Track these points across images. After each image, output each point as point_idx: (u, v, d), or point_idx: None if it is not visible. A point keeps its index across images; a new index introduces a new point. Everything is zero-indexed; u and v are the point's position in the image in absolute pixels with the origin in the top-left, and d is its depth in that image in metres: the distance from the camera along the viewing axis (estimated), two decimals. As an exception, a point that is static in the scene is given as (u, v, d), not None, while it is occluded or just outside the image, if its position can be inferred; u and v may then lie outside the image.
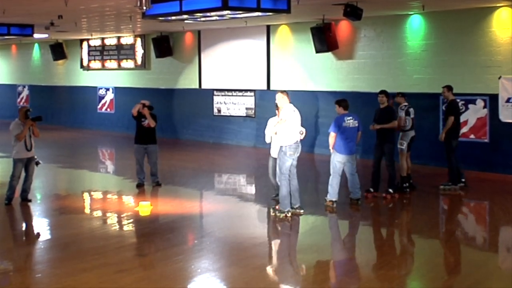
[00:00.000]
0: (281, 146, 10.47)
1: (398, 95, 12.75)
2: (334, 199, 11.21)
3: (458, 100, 13.91)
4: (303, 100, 17.51)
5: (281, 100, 10.62)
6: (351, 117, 11.27)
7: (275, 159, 10.98)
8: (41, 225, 10.78)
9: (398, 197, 12.01)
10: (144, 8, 10.77)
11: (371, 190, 12.10)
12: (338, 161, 11.21)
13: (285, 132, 10.41)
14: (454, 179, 12.70)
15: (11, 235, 10.41)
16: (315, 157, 16.65)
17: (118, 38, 23.40)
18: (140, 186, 13.06)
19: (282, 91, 10.81)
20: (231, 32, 19.48)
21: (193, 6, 11.68)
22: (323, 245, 9.70)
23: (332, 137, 11.16)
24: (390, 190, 12.02)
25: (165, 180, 13.52)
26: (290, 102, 10.67)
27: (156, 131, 13.20)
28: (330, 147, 11.29)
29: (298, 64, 18.11)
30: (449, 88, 12.89)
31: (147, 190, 12.96)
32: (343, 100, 11.49)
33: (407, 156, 12.49)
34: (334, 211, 11.06)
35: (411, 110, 12.42)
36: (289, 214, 10.47)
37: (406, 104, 12.47)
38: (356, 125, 11.26)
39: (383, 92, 12.39)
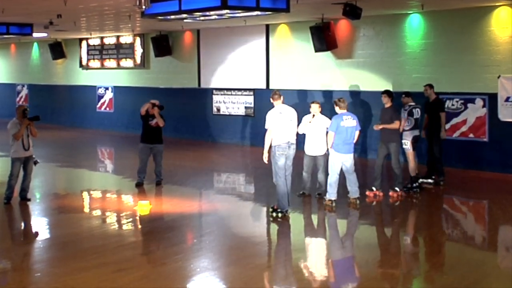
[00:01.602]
0: (271, 146, 10.50)
1: (403, 95, 12.71)
2: (333, 198, 11.20)
3: (457, 99, 13.98)
4: (302, 99, 17.52)
5: (273, 102, 10.65)
6: (349, 116, 11.26)
7: (310, 156, 11.76)
8: (40, 224, 10.78)
9: (404, 196, 11.99)
10: (143, 7, 10.78)
11: (373, 188, 12.09)
12: (336, 160, 11.20)
13: (274, 133, 10.42)
14: (443, 173, 13.11)
15: (10, 234, 10.41)
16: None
17: (117, 37, 23.39)
18: (139, 185, 13.04)
19: (272, 93, 10.85)
20: (230, 31, 19.48)
21: (192, 5, 11.68)
22: (322, 244, 9.72)
23: (330, 136, 11.16)
24: (396, 189, 12.03)
25: (164, 179, 13.50)
26: (283, 102, 10.66)
27: (162, 131, 13.17)
28: (328, 146, 11.29)
29: (297, 63, 18.11)
30: (431, 86, 13.25)
31: (146, 189, 12.96)
32: (341, 99, 11.50)
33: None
34: (333, 210, 11.06)
35: (416, 110, 12.39)
36: (287, 214, 10.47)
37: (411, 104, 12.44)
38: (355, 124, 11.25)
39: (385, 92, 12.39)
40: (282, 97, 10.70)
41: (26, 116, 11.36)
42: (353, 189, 11.39)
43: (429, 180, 13.06)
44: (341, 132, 11.09)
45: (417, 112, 12.40)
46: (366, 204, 11.65)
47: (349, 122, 11.18)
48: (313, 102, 11.96)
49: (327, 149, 11.53)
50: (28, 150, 11.42)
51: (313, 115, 11.69)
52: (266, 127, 10.49)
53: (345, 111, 11.30)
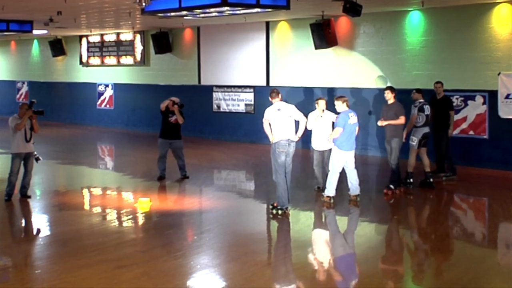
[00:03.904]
0: (271, 144, 10.50)
1: (414, 91, 12.74)
2: (331, 195, 11.21)
3: (457, 97, 14.00)
4: (302, 96, 17.53)
5: (271, 100, 10.66)
6: (352, 113, 11.30)
7: (318, 151, 11.97)
8: (41, 221, 10.78)
9: (399, 193, 11.99)
10: (144, 4, 10.80)
11: (391, 187, 12.05)
12: (340, 158, 11.17)
13: (273, 130, 10.43)
14: (454, 169, 13.33)
15: (11, 231, 10.42)
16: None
17: (117, 34, 23.39)
18: (161, 179, 13.27)
19: (270, 90, 10.85)
20: (231, 28, 19.47)
21: (192, 3, 11.70)
22: (322, 241, 9.73)
23: (338, 131, 11.11)
24: (391, 186, 12.01)
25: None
26: (281, 100, 10.65)
27: (181, 128, 13.40)
28: (331, 139, 11.22)
29: (297, 60, 18.10)
30: (442, 84, 13.41)
31: (146, 186, 12.98)
32: (342, 96, 11.51)
33: (423, 153, 12.45)
34: (332, 207, 11.07)
35: (426, 107, 12.39)
36: (287, 211, 10.47)
37: (421, 100, 12.44)
38: (356, 121, 11.28)
39: (389, 88, 12.39)
40: (280, 95, 10.70)
41: (31, 107, 11.34)
42: (354, 186, 11.38)
43: (440, 174, 13.23)
44: (346, 130, 11.10)
45: (427, 109, 12.40)
46: (367, 201, 11.65)
47: (353, 119, 11.24)
48: (320, 99, 12.06)
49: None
50: (29, 142, 11.39)
51: (323, 110, 11.81)
52: (263, 120, 10.55)
53: (347, 108, 11.32)
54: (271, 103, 10.70)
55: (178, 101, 13.31)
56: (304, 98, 17.40)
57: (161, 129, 13.49)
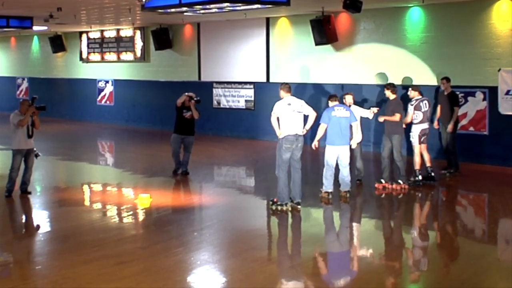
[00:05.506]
0: (278, 139, 10.48)
1: (410, 88, 12.72)
2: (329, 191, 11.19)
3: (457, 93, 13.99)
4: (302, 92, 17.50)
5: (280, 93, 10.63)
6: (341, 107, 11.28)
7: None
8: (41, 218, 10.79)
9: (407, 189, 11.98)
10: (143, 0, 10.79)
11: (382, 181, 12.09)
12: (332, 153, 11.16)
13: (281, 125, 10.40)
14: (457, 165, 13.39)
15: (11, 227, 10.42)
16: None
17: (118, 30, 23.37)
18: (176, 172, 13.45)
19: (281, 84, 10.81)
20: (231, 24, 19.46)
21: (192, -1, 11.68)
22: (322, 237, 9.73)
23: (322, 128, 11.13)
24: (400, 181, 12.03)
25: (164, 172, 13.55)
26: (291, 95, 10.63)
27: (195, 124, 13.49)
28: (317, 137, 11.21)
29: (297, 56, 18.09)
30: (448, 79, 13.43)
31: (147, 182, 12.99)
32: (332, 95, 11.67)
33: (424, 149, 12.45)
34: (330, 203, 11.06)
35: (423, 103, 12.33)
36: (287, 207, 10.47)
37: (418, 98, 12.40)
38: (348, 115, 11.22)
39: (386, 85, 12.43)
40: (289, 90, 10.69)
41: (33, 103, 11.34)
42: (345, 182, 11.30)
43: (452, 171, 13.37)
44: (334, 124, 11.07)
45: (424, 105, 12.34)
46: (368, 197, 11.66)
47: (342, 112, 11.18)
48: (347, 94, 12.24)
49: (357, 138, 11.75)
50: (31, 139, 11.40)
51: (350, 105, 11.93)
52: (272, 113, 10.50)
53: (337, 103, 11.32)
54: (270, 99, 10.68)
55: (194, 96, 13.38)
56: (304, 94, 17.38)
57: (175, 125, 13.54)
